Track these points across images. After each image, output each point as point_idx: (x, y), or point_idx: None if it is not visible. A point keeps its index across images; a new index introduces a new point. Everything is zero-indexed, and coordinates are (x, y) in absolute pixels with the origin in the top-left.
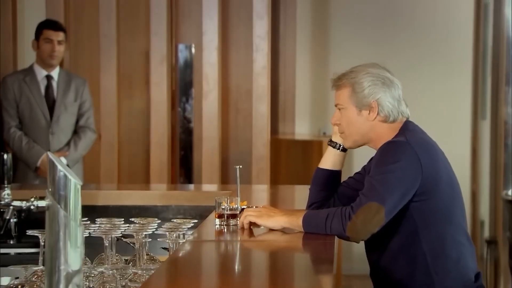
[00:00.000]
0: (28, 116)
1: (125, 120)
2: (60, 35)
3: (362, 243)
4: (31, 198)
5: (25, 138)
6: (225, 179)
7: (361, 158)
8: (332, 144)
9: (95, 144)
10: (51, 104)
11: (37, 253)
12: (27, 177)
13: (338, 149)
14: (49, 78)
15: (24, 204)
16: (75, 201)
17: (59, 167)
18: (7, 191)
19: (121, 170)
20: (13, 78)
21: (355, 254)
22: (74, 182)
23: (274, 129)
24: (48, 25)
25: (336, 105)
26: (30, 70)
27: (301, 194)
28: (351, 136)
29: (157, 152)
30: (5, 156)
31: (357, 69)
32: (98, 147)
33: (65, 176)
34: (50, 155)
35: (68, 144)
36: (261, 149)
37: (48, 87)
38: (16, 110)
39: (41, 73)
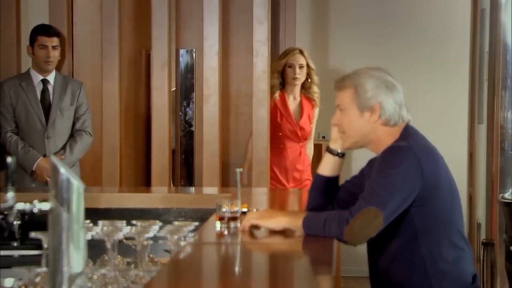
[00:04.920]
0: (24, 121)
1: (127, 124)
2: (55, 41)
3: (363, 246)
4: (34, 200)
5: (21, 143)
6: (225, 182)
7: (359, 161)
8: (330, 151)
9: (97, 148)
10: (47, 109)
11: (40, 255)
12: (23, 181)
13: (337, 155)
14: (44, 82)
15: (27, 206)
16: (78, 203)
17: (62, 170)
18: (10, 194)
19: (122, 173)
20: (10, 83)
21: (354, 256)
22: (77, 185)
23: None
24: (42, 31)
25: (337, 106)
26: (26, 75)
27: (301, 197)
28: (351, 137)
29: (158, 156)
30: (9, 159)
31: (361, 71)
32: (100, 151)
33: (68, 179)
34: (53, 158)
35: (63, 147)
36: (261, 152)
37: (44, 91)
38: (12, 115)
39: (37, 77)
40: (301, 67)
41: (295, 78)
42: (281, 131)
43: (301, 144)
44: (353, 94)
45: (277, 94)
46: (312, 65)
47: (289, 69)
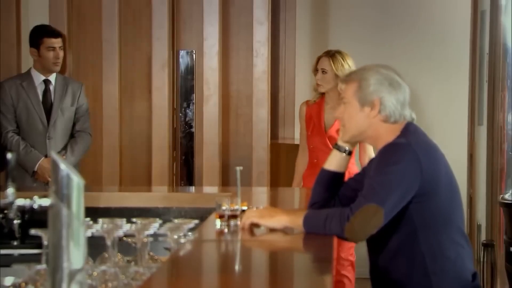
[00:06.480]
0: (25, 121)
1: (127, 124)
2: (60, 41)
3: (363, 244)
4: (34, 196)
5: (22, 143)
6: (225, 183)
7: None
8: (338, 147)
9: (97, 149)
10: (48, 109)
11: (40, 254)
12: (24, 181)
13: (344, 152)
14: (46, 82)
15: (27, 202)
16: (78, 199)
17: (62, 166)
18: (10, 190)
19: (123, 174)
20: (11, 83)
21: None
22: (77, 181)
23: (274, 134)
24: (49, 33)
25: (341, 99)
26: (27, 75)
27: (300, 196)
28: (350, 130)
29: (159, 156)
30: (9, 155)
31: (369, 67)
32: (100, 152)
33: (68, 175)
34: (53, 155)
35: (65, 148)
36: (261, 153)
37: (46, 91)
38: (13, 114)
39: (38, 78)
40: (323, 72)
41: (317, 84)
42: (312, 144)
43: None
44: (356, 88)
45: (315, 99)
46: (340, 73)
47: (316, 73)
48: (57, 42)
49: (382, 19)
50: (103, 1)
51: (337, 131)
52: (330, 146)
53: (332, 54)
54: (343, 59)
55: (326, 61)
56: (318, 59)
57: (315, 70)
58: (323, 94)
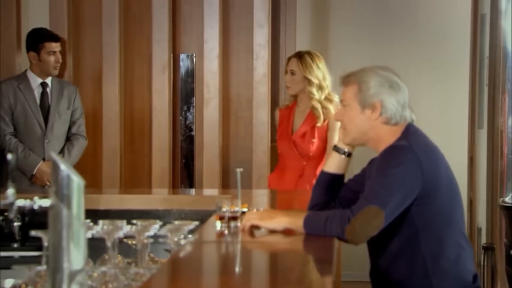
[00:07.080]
0: (23, 124)
1: (127, 127)
2: (59, 45)
3: (363, 248)
4: (35, 197)
5: (20, 146)
6: (226, 186)
7: (361, 160)
8: (337, 149)
9: (98, 151)
10: (45, 112)
11: (41, 256)
12: (22, 184)
13: (343, 154)
14: (44, 85)
15: (28, 203)
16: (79, 200)
17: (63, 166)
18: (11, 191)
19: (123, 176)
20: (8, 84)
21: (354, 261)
22: (77, 181)
23: (274, 137)
24: (49, 37)
25: (341, 101)
26: (24, 77)
27: (300, 198)
28: (351, 133)
29: (159, 159)
30: (9, 156)
31: (367, 69)
32: (101, 154)
33: (68, 175)
34: (53, 155)
35: (62, 151)
36: (262, 156)
37: (43, 94)
38: (11, 117)
39: (35, 80)
40: (292, 73)
41: (287, 87)
42: (280, 148)
43: (304, 163)
44: (356, 90)
45: (287, 103)
46: (308, 75)
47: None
48: (57, 46)
49: (382, 19)
50: (103, 3)
51: (302, 136)
52: (296, 151)
53: (301, 55)
54: (312, 60)
55: (295, 62)
56: (288, 60)
57: (285, 72)
58: (296, 97)
